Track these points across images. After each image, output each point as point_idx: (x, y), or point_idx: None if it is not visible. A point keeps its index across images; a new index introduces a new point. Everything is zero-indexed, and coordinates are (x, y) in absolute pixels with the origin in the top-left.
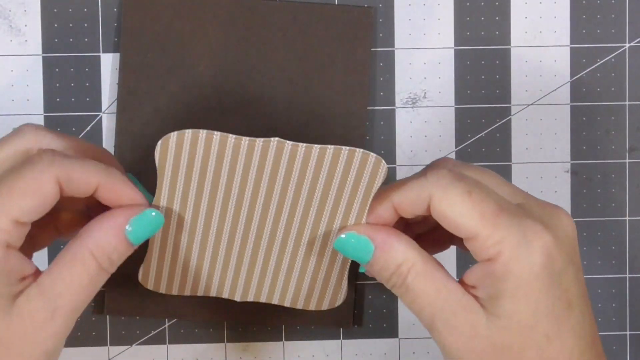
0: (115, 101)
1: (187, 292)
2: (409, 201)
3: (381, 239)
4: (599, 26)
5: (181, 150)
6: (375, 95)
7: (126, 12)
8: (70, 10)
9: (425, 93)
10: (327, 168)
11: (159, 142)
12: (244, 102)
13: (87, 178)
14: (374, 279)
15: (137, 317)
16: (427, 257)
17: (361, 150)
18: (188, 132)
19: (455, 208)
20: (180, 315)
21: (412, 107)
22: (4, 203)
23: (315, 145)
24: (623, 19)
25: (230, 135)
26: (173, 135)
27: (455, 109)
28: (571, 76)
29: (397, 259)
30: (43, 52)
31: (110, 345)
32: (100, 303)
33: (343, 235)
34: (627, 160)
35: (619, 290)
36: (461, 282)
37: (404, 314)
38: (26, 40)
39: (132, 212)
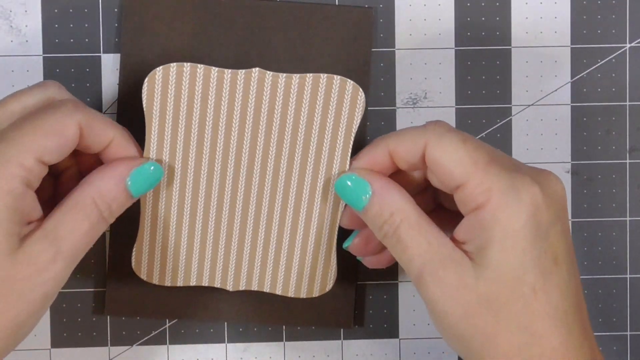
0: (116, 101)
1: (180, 281)
2: (405, 147)
3: (379, 185)
4: (600, 26)
5: (167, 88)
6: (376, 95)
7: (126, 12)
8: (70, 10)
9: (425, 93)
10: (309, 97)
11: (145, 80)
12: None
13: (105, 130)
14: (374, 280)
15: (137, 318)
16: (420, 211)
17: (339, 76)
18: (173, 65)
19: (449, 154)
20: (180, 315)
21: (412, 108)
22: (29, 141)
23: (295, 75)
24: (624, 19)
25: (214, 67)
26: (159, 70)
27: (456, 109)
28: (572, 76)
29: (392, 207)
30: (44, 53)
31: (111, 345)
32: (101, 303)
33: (345, 176)
34: (627, 161)
35: (619, 291)
36: (452, 238)
37: (405, 315)
38: (27, 41)
39: (133, 164)
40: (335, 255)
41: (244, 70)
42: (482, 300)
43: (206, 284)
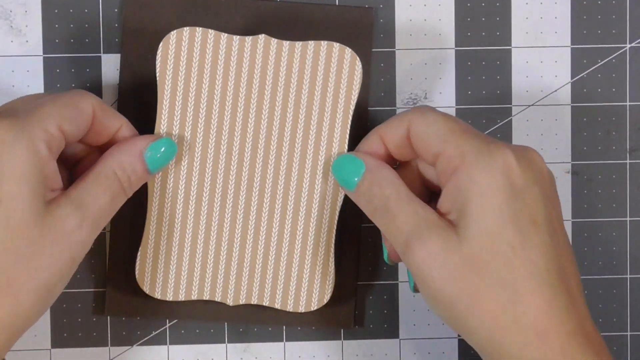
0: (116, 102)
1: (181, 296)
2: (392, 130)
3: (372, 163)
4: (600, 27)
5: (180, 52)
6: (376, 95)
7: (127, 13)
8: (71, 10)
9: (426, 94)
10: (311, 63)
11: (160, 44)
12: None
13: (115, 116)
14: (374, 280)
15: (138, 318)
16: (407, 188)
17: (339, 44)
18: (186, 30)
19: (428, 127)
20: (181, 316)
21: None
22: (50, 109)
23: (298, 42)
24: (624, 19)
25: (224, 33)
26: (173, 34)
27: (456, 109)
28: (572, 77)
29: (382, 181)
30: (44, 53)
31: (111, 345)
32: (101, 304)
33: (341, 157)
34: (627, 161)
35: (619, 291)
36: (437, 211)
37: (405, 315)
38: (27, 41)
39: (150, 139)
40: (334, 263)
41: (251, 37)
42: (465, 261)
43: (207, 298)
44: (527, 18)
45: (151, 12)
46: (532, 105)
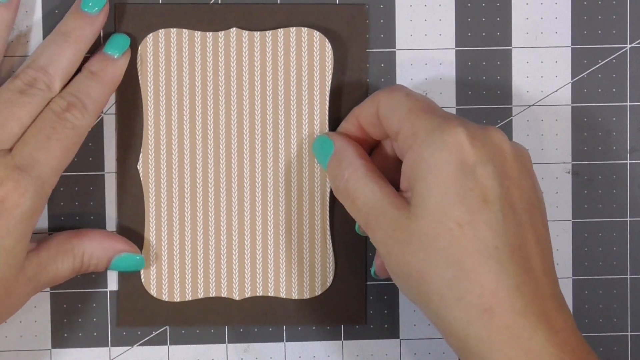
0: (115, 103)
1: (188, 296)
2: (365, 109)
3: (339, 143)
4: (600, 27)
5: (158, 53)
6: None
7: (119, 23)
8: None
9: (426, 94)
10: (283, 51)
11: (139, 47)
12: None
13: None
14: (374, 280)
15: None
16: (371, 166)
17: (307, 28)
18: (161, 31)
19: (392, 106)
20: (194, 322)
21: None
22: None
23: (269, 31)
24: (624, 19)
25: (197, 31)
26: (149, 37)
27: (457, 109)
28: (572, 77)
29: (343, 162)
30: None
31: (112, 346)
32: (101, 303)
33: (318, 138)
34: (628, 161)
35: (620, 291)
36: (398, 189)
37: (405, 315)
38: (27, 41)
39: (127, 249)
40: (332, 245)
41: (223, 32)
42: (414, 238)
43: (213, 295)
44: (527, 18)
45: (144, 23)
46: (532, 105)
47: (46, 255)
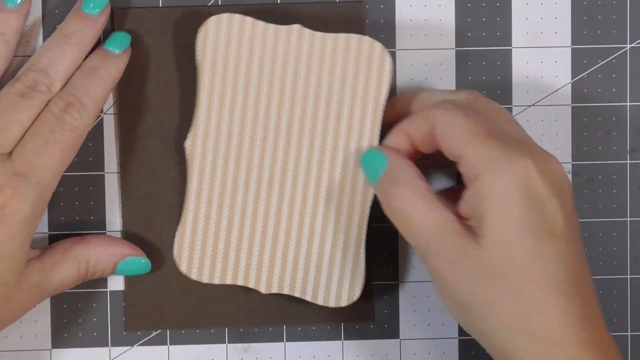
0: (116, 103)
1: (217, 279)
2: (417, 126)
3: (395, 160)
4: (600, 27)
5: (219, 39)
6: None
7: (118, 27)
8: None
9: None
10: (340, 58)
11: (199, 30)
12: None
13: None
14: (375, 280)
15: (159, 330)
16: (429, 188)
17: (369, 38)
18: (224, 16)
19: (451, 127)
20: (201, 324)
21: None
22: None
23: (331, 34)
24: (624, 19)
25: (260, 21)
26: (212, 21)
27: None
28: (572, 77)
29: (402, 182)
30: None
31: (112, 346)
32: (101, 304)
33: (368, 151)
34: (628, 161)
35: (620, 291)
36: (457, 214)
37: (405, 315)
38: (27, 41)
39: (133, 253)
40: (364, 260)
41: (286, 27)
42: (483, 269)
43: (241, 284)
44: (527, 18)
45: (142, 28)
46: (532, 105)
47: (50, 263)
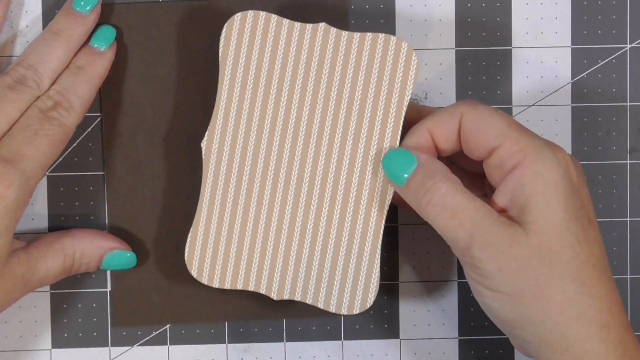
0: (100, 102)
1: (228, 284)
2: (442, 123)
3: (425, 158)
4: (600, 27)
5: (243, 35)
6: None
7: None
8: None
9: (426, 94)
10: (368, 55)
11: (224, 26)
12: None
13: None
14: (382, 281)
15: (146, 326)
16: (461, 183)
17: (396, 37)
18: (250, 13)
19: (484, 120)
20: (188, 320)
21: None
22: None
23: (357, 33)
24: (624, 19)
25: (285, 19)
26: (237, 17)
27: None
28: (572, 77)
29: (437, 177)
30: None
31: (112, 346)
32: (100, 304)
33: (393, 151)
34: (628, 161)
35: (620, 291)
36: (491, 204)
37: (405, 315)
38: (27, 41)
39: (118, 246)
40: (379, 266)
41: (311, 25)
42: (535, 253)
43: (252, 289)
44: (527, 18)
45: (127, 23)
46: (532, 105)
47: (36, 254)
